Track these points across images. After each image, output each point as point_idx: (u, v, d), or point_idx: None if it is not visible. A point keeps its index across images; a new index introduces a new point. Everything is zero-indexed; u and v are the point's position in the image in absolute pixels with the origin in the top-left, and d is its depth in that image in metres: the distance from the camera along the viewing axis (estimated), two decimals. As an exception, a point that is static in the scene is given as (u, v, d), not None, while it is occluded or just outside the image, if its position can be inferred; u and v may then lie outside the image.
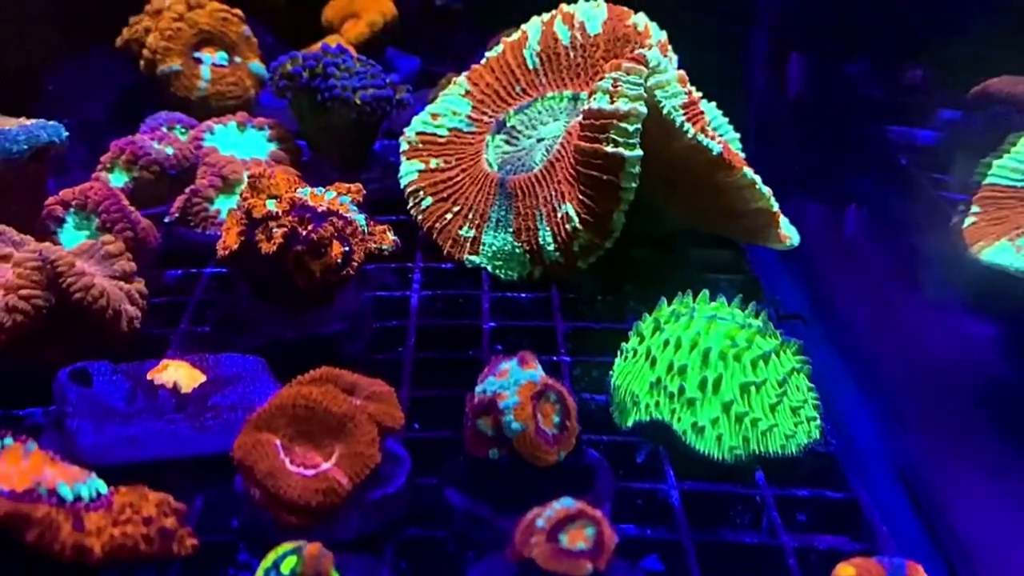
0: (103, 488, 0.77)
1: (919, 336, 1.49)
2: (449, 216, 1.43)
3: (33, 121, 1.21)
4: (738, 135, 1.54)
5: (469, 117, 1.52)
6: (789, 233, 1.36)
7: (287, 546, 0.75)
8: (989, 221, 1.48)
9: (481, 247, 1.39)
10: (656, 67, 1.25)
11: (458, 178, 1.46)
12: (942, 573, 1.05)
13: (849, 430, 1.31)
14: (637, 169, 1.22)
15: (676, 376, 1.03)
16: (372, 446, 0.84)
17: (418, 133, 1.51)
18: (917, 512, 1.16)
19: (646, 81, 1.23)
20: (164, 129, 1.62)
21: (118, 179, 1.46)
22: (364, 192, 1.21)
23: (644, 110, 1.21)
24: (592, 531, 0.76)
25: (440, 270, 1.40)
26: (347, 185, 1.21)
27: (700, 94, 1.52)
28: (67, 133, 1.23)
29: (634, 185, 1.23)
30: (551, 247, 1.30)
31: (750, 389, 1.02)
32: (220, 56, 1.83)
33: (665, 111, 1.23)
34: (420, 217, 1.45)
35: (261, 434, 0.84)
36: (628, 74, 1.23)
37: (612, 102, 1.23)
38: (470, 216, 1.41)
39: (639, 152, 1.21)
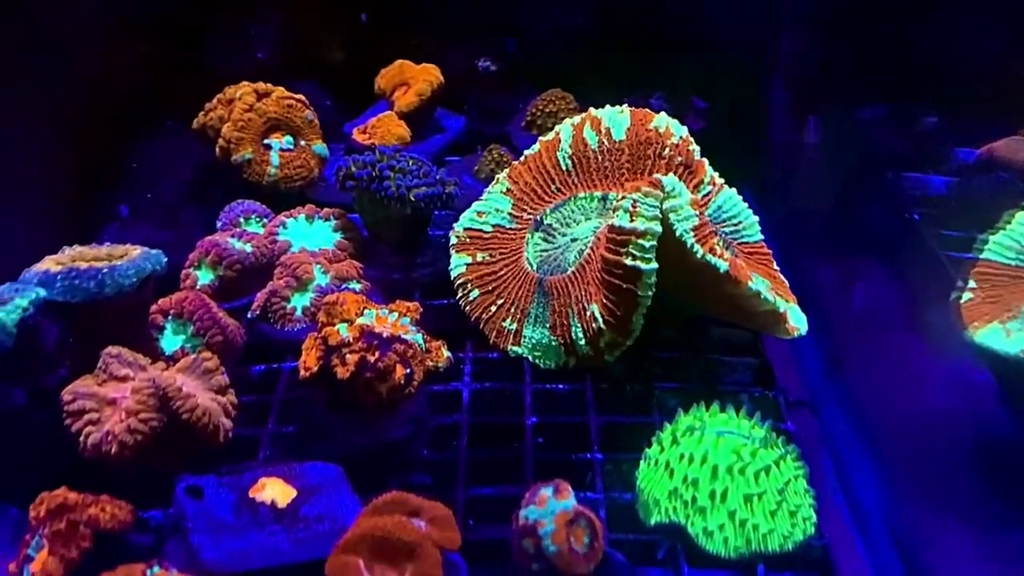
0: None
1: (920, 406, 1.65)
2: (494, 308, 1.62)
3: (138, 252, 1.42)
4: (756, 219, 1.70)
5: (510, 214, 1.70)
6: (797, 324, 1.53)
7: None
8: (984, 299, 1.63)
9: (522, 339, 1.58)
10: (671, 192, 1.42)
11: (501, 272, 1.64)
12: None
13: (857, 497, 1.49)
14: (653, 279, 1.39)
15: (690, 486, 1.22)
16: (436, 567, 1.05)
17: (465, 229, 1.70)
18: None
19: (662, 204, 1.40)
20: (241, 220, 1.82)
21: (205, 276, 1.67)
22: (420, 310, 1.41)
23: (659, 229, 1.38)
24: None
25: (487, 360, 1.59)
26: (406, 304, 1.41)
27: (722, 180, 1.70)
28: (166, 259, 1.43)
29: (651, 293, 1.40)
30: (582, 342, 1.49)
31: (752, 499, 1.20)
32: (287, 140, 2.03)
33: (677, 234, 1.40)
34: (468, 308, 1.64)
35: (348, 556, 1.04)
36: (646, 196, 1.40)
37: (631, 220, 1.40)
38: (512, 310, 1.60)
39: (655, 265, 1.38)
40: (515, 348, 1.59)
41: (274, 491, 1.18)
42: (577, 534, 1.08)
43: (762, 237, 1.70)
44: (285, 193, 1.98)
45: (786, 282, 1.66)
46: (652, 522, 1.24)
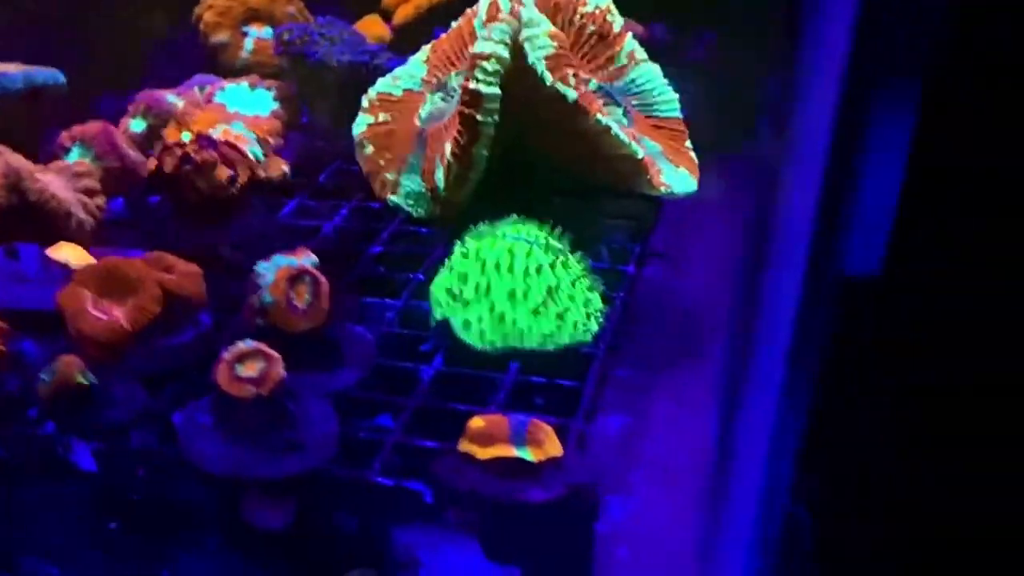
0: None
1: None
2: (382, 162, 1.65)
3: (37, 68, 1.55)
4: (676, 96, 1.65)
5: (423, 79, 1.73)
6: (668, 181, 1.48)
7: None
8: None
9: (399, 188, 1.60)
10: (528, 21, 1.41)
11: (396, 130, 1.67)
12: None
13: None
14: (493, 105, 1.38)
15: (460, 281, 1.21)
16: (153, 302, 1.09)
17: (378, 93, 1.74)
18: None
19: (517, 34, 1.40)
20: (195, 88, 1.94)
21: (137, 125, 1.78)
22: (277, 132, 1.47)
23: (505, 54, 1.38)
24: (262, 365, 0.96)
25: (368, 208, 1.63)
26: (264, 125, 1.47)
27: (644, 57, 1.66)
28: (64, 80, 1.56)
29: (491, 120, 1.39)
30: (441, 183, 1.49)
31: (516, 295, 1.18)
32: (265, 31, 2.14)
33: (529, 61, 1.40)
34: (362, 163, 1.68)
35: (77, 287, 1.10)
36: (500, 23, 1.41)
37: (481, 46, 1.40)
38: (395, 162, 1.62)
39: (495, 91, 1.38)
40: (392, 197, 1.61)
41: (69, 254, 1.26)
42: (299, 290, 1.10)
43: (680, 115, 1.65)
44: (257, 79, 2.09)
45: (695, 159, 1.61)
46: (432, 322, 1.24)
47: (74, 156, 1.61)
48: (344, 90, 1.85)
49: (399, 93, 1.74)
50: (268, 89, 1.90)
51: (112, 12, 2.20)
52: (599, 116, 1.41)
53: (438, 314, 1.23)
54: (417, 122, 1.64)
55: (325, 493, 1.00)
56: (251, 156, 1.39)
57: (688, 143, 1.64)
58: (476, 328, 1.17)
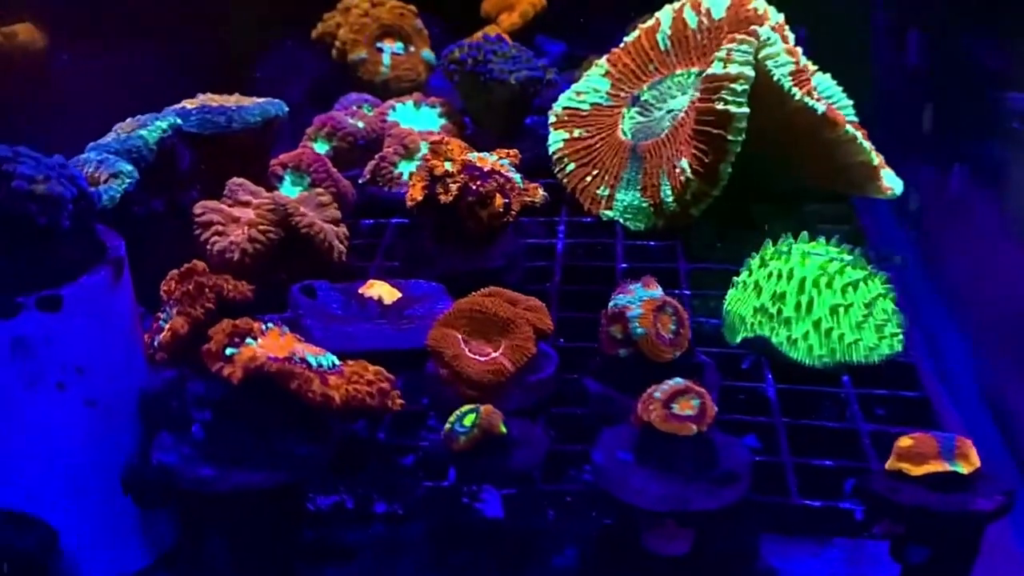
0: (336, 361, 1.06)
1: (1014, 280, 1.65)
2: (588, 179, 1.68)
3: (264, 100, 1.54)
4: (851, 102, 1.73)
5: (608, 93, 1.77)
6: (891, 184, 1.56)
7: (468, 407, 1.03)
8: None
9: (614, 203, 1.64)
10: (766, 40, 1.47)
11: (597, 146, 1.71)
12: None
13: (945, 361, 1.50)
14: (743, 124, 1.44)
15: (776, 301, 1.26)
16: (529, 341, 1.11)
17: (564, 108, 1.77)
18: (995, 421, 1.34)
19: (757, 52, 1.45)
20: (355, 107, 1.94)
21: (320, 147, 1.78)
22: (520, 156, 1.49)
23: (751, 73, 1.43)
24: (697, 402, 1.00)
25: (581, 223, 1.66)
26: (506, 150, 1.49)
27: (815, 67, 1.73)
28: (287, 108, 1.55)
29: (740, 139, 1.45)
30: (670, 199, 1.54)
31: (838, 310, 1.24)
32: (398, 46, 2.14)
33: (775, 77, 1.45)
34: (564, 180, 1.71)
35: (447, 329, 1.12)
36: (740, 44, 1.46)
37: (725, 67, 1.45)
38: (606, 177, 1.66)
39: (746, 110, 1.43)
40: (607, 212, 1.65)
41: (381, 290, 1.27)
42: (663, 321, 1.13)
43: (857, 119, 1.72)
44: (396, 93, 2.08)
45: (880, 156, 1.68)
46: (737, 339, 1.29)
47: (288, 184, 1.61)
48: (512, 105, 1.88)
49: (587, 108, 1.77)
50: (432, 107, 1.91)
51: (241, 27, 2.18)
52: (847, 127, 1.47)
53: (744, 331, 1.28)
54: (622, 136, 1.68)
55: (739, 519, 1.03)
56: (516, 182, 1.41)
57: (869, 143, 1.72)
58: (803, 345, 1.23)
